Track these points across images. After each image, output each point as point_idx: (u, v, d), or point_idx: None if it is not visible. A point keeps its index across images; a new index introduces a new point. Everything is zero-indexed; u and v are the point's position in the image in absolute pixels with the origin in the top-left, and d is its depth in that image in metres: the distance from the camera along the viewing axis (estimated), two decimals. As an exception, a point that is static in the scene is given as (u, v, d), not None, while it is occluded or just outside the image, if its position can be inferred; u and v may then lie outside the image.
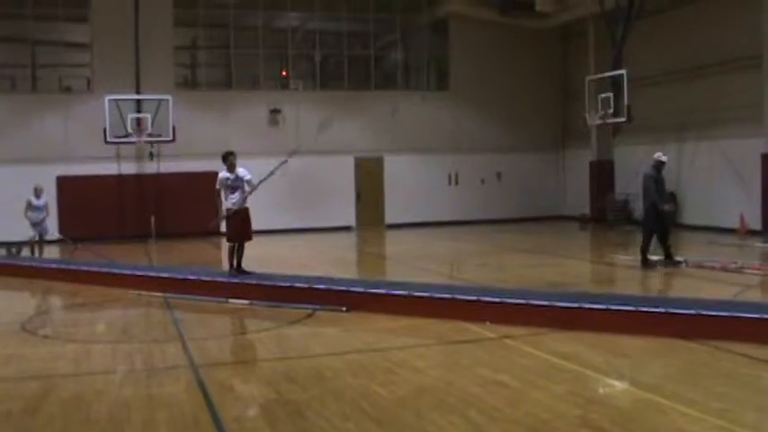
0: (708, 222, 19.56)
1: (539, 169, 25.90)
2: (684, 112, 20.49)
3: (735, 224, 18.41)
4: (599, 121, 21.10)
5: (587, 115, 21.46)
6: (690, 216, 20.51)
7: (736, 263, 12.76)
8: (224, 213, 11.30)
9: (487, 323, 8.46)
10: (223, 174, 11.32)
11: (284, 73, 24.37)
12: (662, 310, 7.95)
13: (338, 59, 24.88)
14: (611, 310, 8.18)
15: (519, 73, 25.25)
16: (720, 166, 19.50)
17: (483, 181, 25.29)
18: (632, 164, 22.08)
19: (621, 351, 7.30)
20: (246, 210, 11.39)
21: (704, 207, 19.90)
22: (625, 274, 13.19)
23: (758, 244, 15.15)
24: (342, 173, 23.79)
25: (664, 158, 13.15)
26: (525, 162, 25.65)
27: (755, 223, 17.79)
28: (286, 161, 12.18)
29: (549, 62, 25.85)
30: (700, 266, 12.67)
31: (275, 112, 23.23)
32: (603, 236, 20.63)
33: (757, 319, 7.47)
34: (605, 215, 22.68)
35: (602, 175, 23.63)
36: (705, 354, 7.08)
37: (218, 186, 11.33)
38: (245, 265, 11.46)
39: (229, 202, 11.22)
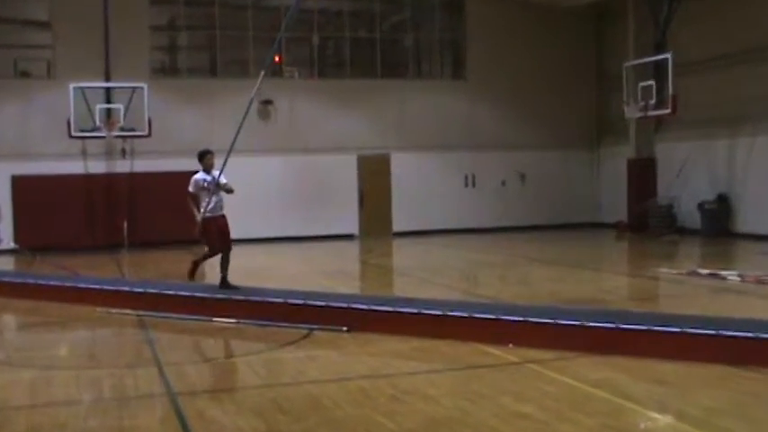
0: (766, 230, 19.51)
1: (569, 169, 25.89)
2: (738, 103, 20.44)
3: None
4: (639, 114, 21.11)
5: (625, 107, 21.47)
6: (744, 223, 20.47)
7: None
8: (199, 220, 11.37)
9: (509, 346, 8.45)
10: (200, 175, 11.45)
11: (277, 59, 24.43)
12: (711, 332, 7.91)
13: (339, 43, 24.94)
14: (651, 331, 8.16)
15: (547, 59, 25.25)
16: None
17: (504, 183, 25.29)
18: (677, 162, 22.07)
19: (663, 379, 7.28)
20: (224, 217, 11.54)
21: (762, 212, 19.84)
22: (669, 290, 13.18)
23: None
24: (342, 173, 23.84)
25: None
26: (553, 161, 25.65)
27: None
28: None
29: (582, 46, 25.84)
30: (760, 282, 12.63)
31: (267, 103, 23.28)
32: (644, 246, 20.61)
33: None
34: (646, 222, 22.65)
35: (643, 175, 23.59)
36: (761, 384, 7.06)
37: (192, 189, 11.41)
38: (230, 278, 11.48)
39: (207, 207, 11.30)
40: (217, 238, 11.38)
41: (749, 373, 7.28)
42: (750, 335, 7.75)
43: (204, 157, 11.56)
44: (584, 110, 26.02)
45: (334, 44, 25.17)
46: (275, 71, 24.46)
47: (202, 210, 11.28)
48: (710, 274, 13.56)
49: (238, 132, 11.69)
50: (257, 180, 22.68)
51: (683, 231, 21.66)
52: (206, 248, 11.74)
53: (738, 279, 12.92)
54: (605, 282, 14.24)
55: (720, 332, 7.87)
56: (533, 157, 25.42)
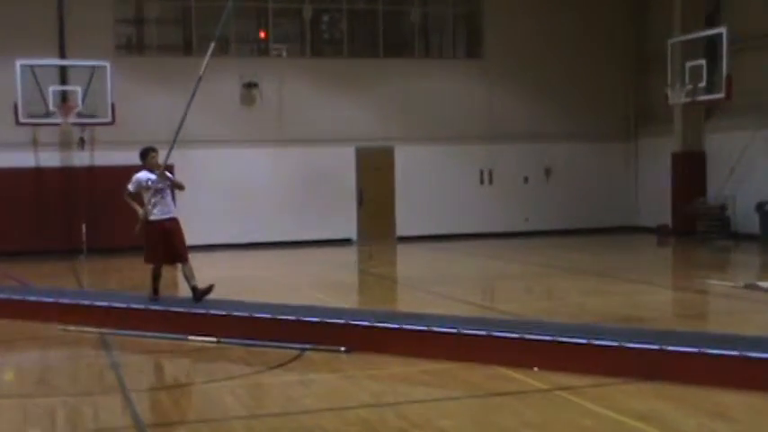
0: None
1: (602, 164, 25.89)
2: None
3: None
4: (686, 99, 21.08)
5: (670, 91, 21.45)
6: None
7: None
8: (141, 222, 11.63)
9: (535, 369, 8.42)
10: (142, 174, 11.70)
11: (263, 34, 24.41)
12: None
13: (335, 17, 24.92)
14: (704, 354, 8.09)
15: (577, 35, 25.25)
16: None
17: (526, 179, 25.29)
18: (731, 156, 22.02)
19: (721, 411, 7.22)
20: (174, 220, 11.74)
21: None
22: (722, 305, 13.12)
23: None
24: (339, 169, 23.85)
25: None
26: (584, 154, 25.66)
27: None
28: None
29: (619, 20, 25.84)
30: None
31: (250, 86, 23.25)
32: (691, 254, 20.60)
33: None
34: (694, 226, 22.62)
35: (690, 171, 23.59)
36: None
37: (131, 188, 11.68)
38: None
39: (153, 209, 11.55)
40: (159, 245, 11.55)
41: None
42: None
43: (147, 156, 11.85)
44: (620, 95, 26.02)
45: (328, 18, 25.16)
46: (261, 49, 24.49)
47: (145, 212, 11.56)
48: (748, 285, 13.52)
49: (183, 120, 12.09)
50: (239, 176, 22.71)
51: (738, 237, 21.63)
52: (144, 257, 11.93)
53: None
54: (645, 295, 14.18)
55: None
56: (561, 150, 25.42)
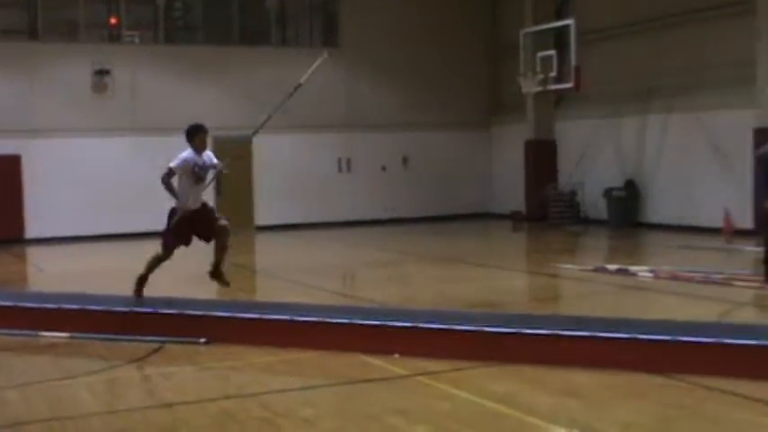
0: (681, 220, 20.24)
1: (459, 152, 26.28)
2: (650, 76, 21.18)
3: (717, 222, 18.98)
4: (537, 88, 21.59)
5: (522, 80, 21.91)
6: (657, 212, 21.22)
7: (722, 273, 13.20)
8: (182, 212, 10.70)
9: (396, 356, 8.48)
10: (188, 154, 10.78)
11: (114, 20, 23.83)
12: (626, 335, 8.11)
13: (189, 3, 24.55)
14: (558, 336, 8.32)
15: (433, 24, 25.51)
16: (697, 146, 20.15)
17: (384, 168, 25.45)
18: (580, 144, 22.68)
19: (574, 391, 7.41)
20: (205, 205, 11.02)
21: (676, 200, 20.58)
22: (573, 288, 13.50)
23: (749, 248, 15.73)
24: (196, 157, 23.46)
25: None
26: (440, 143, 25.99)
27: (745, 221, 18.02)
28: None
29: (474, 10, 26.23)
30: (674, 278, 13.09)
31: (102, 73, 22.68)
32: (544, 239, 21.14)
33: (752, 346, 7.68)
34: (546, 212, 23.18)
35: (542, 158, 24.17)
36: (684, 393, 7.23)
37: (175, 169, 10.68)
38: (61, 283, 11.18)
39: (188, 196, 10.69)
40: (183, 235, 10.82)
41: (672, 382, 7.48)
42: (670, 338, 7.99)
43: (197, 134, 10.96)
44: (475, 84, 26.45)
45: (182, 4, 24.75)
46: (113, 35, 23.90)
47: (182, 198, 10.68)
48: (619, 270, 13.98)
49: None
50: (91, 166, 22.14)
51: (588, 222, 22.29)
52: (160, 248, 11.04)
53: (651, 275, 13.35)
54: (501, 280, 14.49)
55: (636, 336, 8.08)
56: (418, 138, 25.70)
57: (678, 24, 20.48)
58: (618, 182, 21.78)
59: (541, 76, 21.28)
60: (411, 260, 17.44)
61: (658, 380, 7.54)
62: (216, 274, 11.06)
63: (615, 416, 6.76)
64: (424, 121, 25.60)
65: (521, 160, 24.76)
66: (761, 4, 18.30)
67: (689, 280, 12.84)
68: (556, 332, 8.39)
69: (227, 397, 7.51)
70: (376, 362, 8.40)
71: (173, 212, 10.75)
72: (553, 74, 20.96)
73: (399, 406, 7.04)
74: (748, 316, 10.74)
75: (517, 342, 8.37)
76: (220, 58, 23.98)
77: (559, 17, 21.66)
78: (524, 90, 22.18)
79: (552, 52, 21.06)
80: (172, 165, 10.69)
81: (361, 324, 9.10)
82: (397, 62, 25.24)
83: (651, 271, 13.57)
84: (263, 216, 24.09)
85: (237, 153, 23.67)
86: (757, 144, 15.30)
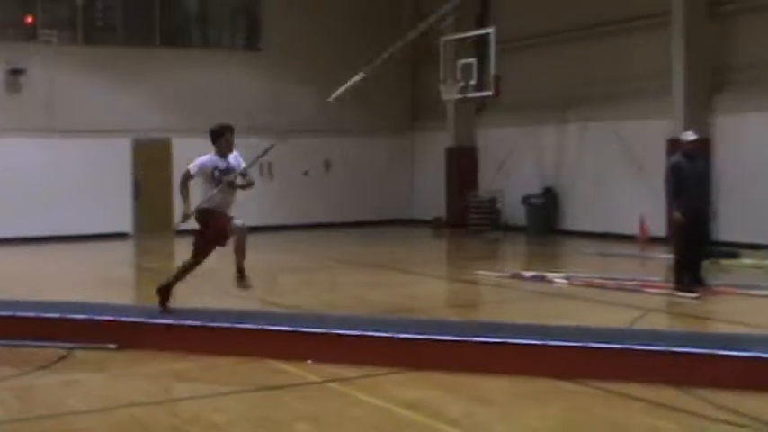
0: (598, 228, 20.54)
1: (381, 158, 26.33)
2: (569, 85, 21.48)
3: (633, 230, 19.33)
4: (458, 96, 21.69)
5: (442, 87, 22.01)
6: (575, 219, 21.51)
7: (635, 279, 13.44)
8: (190, 212, 9.99)
9: (308, 362, 8.47)
10: (210, 158, 10.06)
11: (30, 18, 23.39)
12: (536, 342, 8.22)
13: (109, 3, 24.21)
14: (470, 342, 8.39)
15: (355, 30, 25.47)
16: (614, 155, 20.46)
17: (306, 173, 25.37)
18: (501, 151, 22.88)
19: (486, 397, 7.47)
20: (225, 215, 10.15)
21: (594, 208, 20.88)
22: (490, 294, 13.61)
23: (663, 255, 16.01)
24: (115, 161, 23.17)
25: (691, 137, 12.56)
26: (364, 148, 26.01)
27: (659, 228, 18.20)
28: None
29: (397, 16, 26.26)
30: (589, 285, 13.28)
31: (16, 73, 22.24)
32: (463, 245, 21.28)
33: (659, 352, 7.84)
34: (467, 218, 23.31)
35: (463, 165, 24.30)
36: (590, 399, 7.35)
37: (193, 172, 9.99)
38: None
39: (211, 199, 9.92)
40: (216, 239, 10.07)
41: (579, 387, 7.59)
42: (578, 344, 8.12)
43: (222, 135, 10.08)
44: (398, 90, 26.51)
45: (102, 3, 24.39)
46: (29, 34, 23.45)
47: (205, 199, 9.92)
48: (535, 277, 14.13)
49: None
50: (6, 168, 21.68)
51: (508, 228, 22.49)
52: (193, 253, 10.28)
53: (566, 282, 13.51)
54: (420, 286, 14.54)
55: (547, 342, 8.19)
56: (341, 144, 25.68)
57: (596, 36, 20.83)
58: (537, 189, 22.04)
59: (462, 84, 21.40)
60: (331, 265, 17.44)
61: (566, 385, 7.63)
62: (242, 278, 10.05)
63: (522, 422, 6.84)
64: (347, 127, 25.55)
65: (442, 167, 24.88)
66: (676, 18, 18.72)
67: (603, 287, 13.02)
68: (467, 338, 8.46)
69: (136, 404, 7.40)
70: (289, 368, 8.37)
71: (202, 214, 9.95)
72: (473, 82, 21.08)
73: (310, 412, 7.04)
74: (658, 322, 10.93)
75: (429, 348, 8.41)
76: (141, 59, 23.66)
77: (480, 26, 21.80)
78: (444, 97, 22.28)
79: (473, 60, 21.18)
80: (190, 167, 10.03)
81: (273, 330, 9.07)
82: (319, 66, 25.07)
83: (567, 278, 13.73)
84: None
85: (156, 156, 23.59)
86: (670, 153, 15.70)
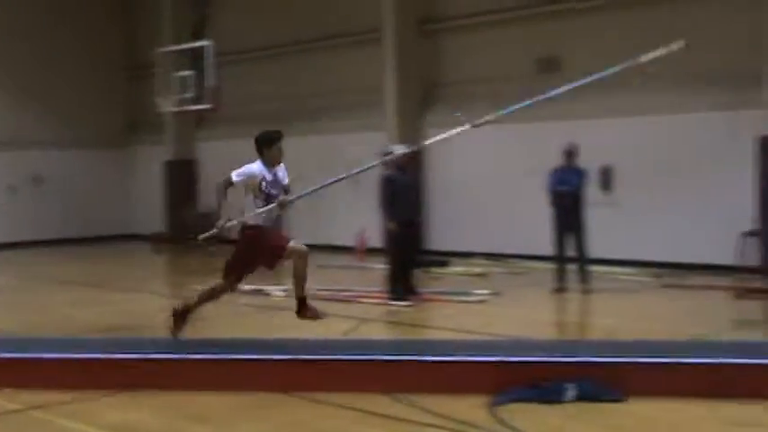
0: (318, 240, 20.65)
1: (97, 172, 25.51)
2: (288, 98, 21.59)
3: (351, 242, 19.66)
4: (176, 108, 21.38)
5: (159, 99, 21.65)
6: (296, 231, 21.41)
7: (350, 290, 13.76)
8: (228, 224, 8.96)
9: (6, 390, 7.98)
10: (260, 167, 8.83)
11: None
12: (253, 357, 8.21)
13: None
14: (187, 360, 8.24)
15: (66, 39, 24.61)
16: (332, 167, 20.54)
17: (14, 188, 24.09)
18: (223, 164, 22.64)
19: (201, 414, 7.35)
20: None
21: (313, 220, 20.97)
22: (209, 310, 13.33)
23: (380, 266, 16.32)
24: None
25: (400, 151, 12.74)
26: (78, 162, 25.10)
27: (376, 240, 18.83)
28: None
29: (107, 27, 25.63)
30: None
31: None
32: (183, 261, 20.99)
33: (369, 361, 8.01)
34: (187, 233, 22.91)
35: (182, 179, 23.93)
36: (305, 410, 7.40)
37: (236, 180, 8.75)
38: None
39: (256, 214, 8.80)
40: (267, 259, 8.88)
41: (294, 400, 7.63)
42: (292, 357, 8.20)
43: (273, 143, 8.92)
44: (113, 102, 25.84)
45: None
46: None
47: (249, 214, 8.80)
48: (254, 291, 14.04)
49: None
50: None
51: (230, 242, 22.23)
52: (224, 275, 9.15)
53: (284, 294, 13.53)
54: (137, 304, 14.14)
55: (262, 356, 8.20)
56: (53, 158, 24.62)
57: (312, 50, 21.14)
58: (256, 203, 21.97)
59: (179, 96, 21.08)
60: (40, 285, 16.67)
61: (284, 399, 7.64)
62: (307, 307, 8.91)
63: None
64: (59, 140, 24.53)
65: (162, 180, 24.40)
66: (386, 35, 19.33)
67: (321, 298, 13.10)
68: (181, 356, 8.30)
69: None
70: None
71: (250, 231, 8.94)
72: (191, 94, 20.81)
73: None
74: (372, 331, 11.17)
75: (140, 368, 8.17)
76: None
77: (197, 38, 21.54)
78: (161, 109, 21.90)
79: (190, 72, 20.90)
80: (233, 175, 8.78)
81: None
82: (27, 78, 24.04)
83: (285, 290, 13.72)
84: None
85: None
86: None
